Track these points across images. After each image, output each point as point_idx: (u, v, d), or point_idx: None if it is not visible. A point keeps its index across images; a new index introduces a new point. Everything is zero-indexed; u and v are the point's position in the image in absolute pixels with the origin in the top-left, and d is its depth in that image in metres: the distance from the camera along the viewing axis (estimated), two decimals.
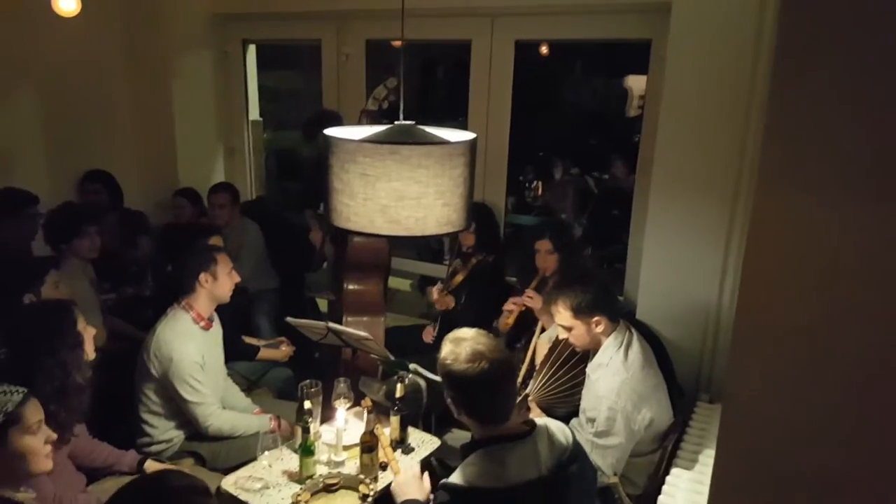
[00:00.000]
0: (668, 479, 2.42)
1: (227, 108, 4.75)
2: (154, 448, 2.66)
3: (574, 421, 2.53)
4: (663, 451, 2.51)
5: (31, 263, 2.85)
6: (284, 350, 3.46)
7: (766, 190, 0.86)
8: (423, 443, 2.61)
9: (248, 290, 4.00)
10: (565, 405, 2.67)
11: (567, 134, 6.65)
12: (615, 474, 2.38)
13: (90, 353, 2.23)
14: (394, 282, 4.21)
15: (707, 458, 2.51)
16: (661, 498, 2.33)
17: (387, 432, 2.58)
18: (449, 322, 3.40)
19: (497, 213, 3.89)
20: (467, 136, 1.79)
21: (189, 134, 4.55)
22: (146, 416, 2.66)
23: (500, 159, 3.94)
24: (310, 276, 4.44)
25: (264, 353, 3.41)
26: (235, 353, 3.18)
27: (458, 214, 1.76)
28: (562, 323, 2.54)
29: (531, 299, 3.16)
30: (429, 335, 3.70)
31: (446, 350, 1.83)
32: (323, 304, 4.41)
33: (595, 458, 2.32)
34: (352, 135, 1.73)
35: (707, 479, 2.03)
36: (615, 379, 2.40)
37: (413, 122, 1.82)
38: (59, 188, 3.87)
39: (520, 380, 2.87)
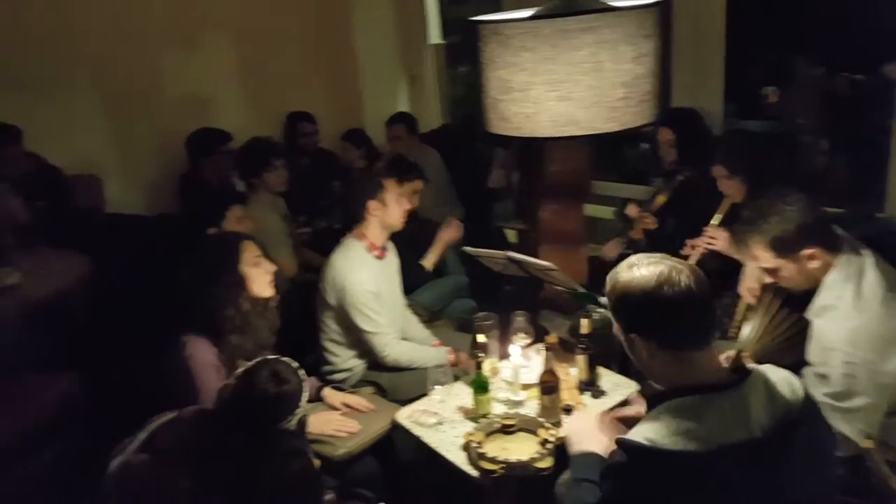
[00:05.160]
0: None
1: (407, 34, 4.60)
2: (336, 376, 2.66)
3: (806, 372, 1.95)
4: None
5: (220, 197, 2.96)
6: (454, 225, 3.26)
7: None
8: (617, 386, 2.27)
9: (431, 220, 3.89)
10: (791, 356, 2.08)
11: (811, 21, 5.36)
12: (868, 438, 1.79)
13: (259, 290, 2.23)
14: (594, 210, 3.81)
15: None
16: None
17: (573, 373, 2.28)
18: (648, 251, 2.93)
19: (711, 119, 3.26)
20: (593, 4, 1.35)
21: (371, 66, 4.52)
22: (328, 345, 2.67)
23: (713, 52, 3.27)
24: (497, 205, 4.23)
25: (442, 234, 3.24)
26: (414, 282, 3.08)
27: (588, 113, 1.35)
28: (764, 265, 1.96)
29: (713, 239, 2.59)
30: (612, 250, 3.24)
31: (613, 273, 1.44)
32: (512, 235, 4.18)
33: (837, 423, 1.73)
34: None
35: None
36: (847, 325, 1.76)
37: None
38: (255, 128, 4.01)
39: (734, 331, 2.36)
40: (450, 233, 3.24)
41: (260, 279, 2.24)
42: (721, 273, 2.58)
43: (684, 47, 3.38)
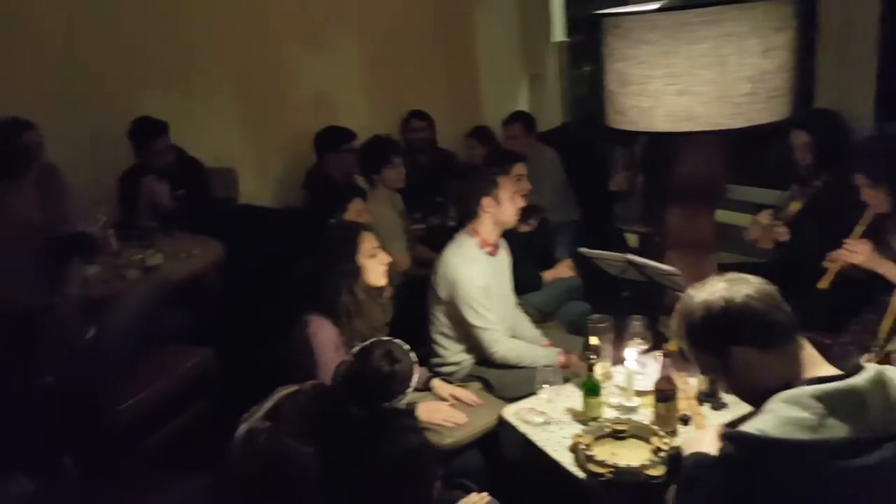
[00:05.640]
0: None
1: (529, 32, 4.58)
2: (445, 369, 2.68)
3: None
4: None
5: (342, 191, 3.09)
6: (567, 266, 3.23)
7: None
8: (740, 401, 2.12)
9: (548, 220, 3.84)
10: None
11: None
12: None
13: (374, 280, 2.30)
14: (728, 216, 3.60)
15: None
16: None
17: (692, 382, 2.16)
18: (779, 264, 2.74)
19: (859, 122, 2.98)
20: None
21: (492, 64, 4.53)
22: (437, 338, 2.70)
23: (864, 47, 2.98)
24: (618, 206, 4.11)
25: (549, 274, 3.24)
26: (525, 283, 3.05)
27: (708, 108, 1.27)
28: None
29: (854, 252, 2.35)
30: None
31: (684, 304, 1.45)
32: (633, 239, 4.03)
33: None
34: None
35: None
36: None
37: None
38: (377, 126, 4.14)
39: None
40: (559, 272, 3.26)
41: (375, 270, 2.32)
42: (860, 287, 2.38)
43: (831, 41, 3.11)
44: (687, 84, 1.35)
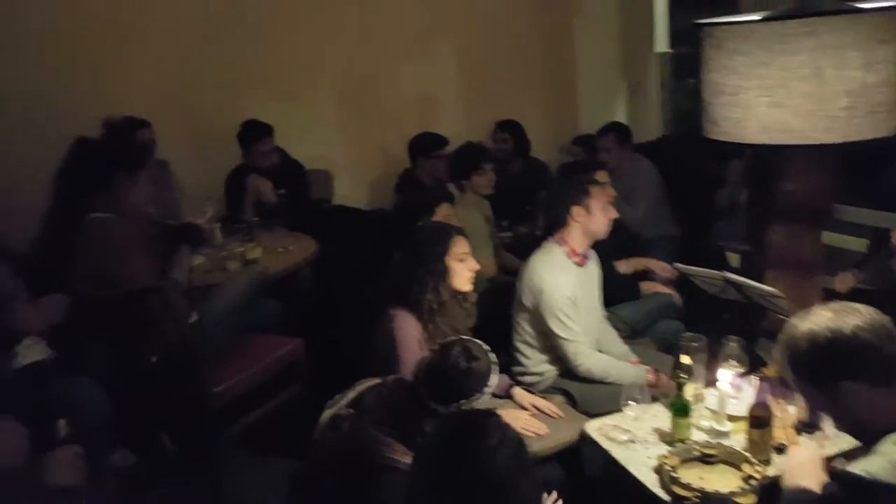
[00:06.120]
0: None
1: (630, 41, 4.49)
2: (526, 379, 2.64)
3: None
4: None
5: (431, 194, 3.14)
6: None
7: None
8: (842, 434, 1.97)
9: (641, 235, 3.74)
10: None
11: None
12: None
13: (459, 284, 2.31)
14: (837, 238, 3.38)
15: None
16: None
17: (792, 410, 2.03)
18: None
19: None
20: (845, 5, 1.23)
21: (590, 73, 4.49)
22: (520, 346, 2.67)
23: None
24: (719, 223, 3.95)
25: (649, 286, 3.15)
26: (623, 292, 3.00)
27: (803, 122, 1.22)
28: None
29: None
30: (845, 283, 2.88)
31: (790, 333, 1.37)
32: (735, 259, 3.84)
33: None
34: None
35: None
36: None
37: None
38: (471, 133, 4.18)
39: None
40: (657, 286, 3.17)
41: (462, 274, 2.33)
42: None
43: None
44: (781, 96, 1.32)
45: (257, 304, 2.93)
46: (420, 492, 1.22)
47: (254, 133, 3.63)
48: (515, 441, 1.27)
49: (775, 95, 1.33)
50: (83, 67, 3.51)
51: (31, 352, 2.11)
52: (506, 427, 1.29)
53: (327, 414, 1.65)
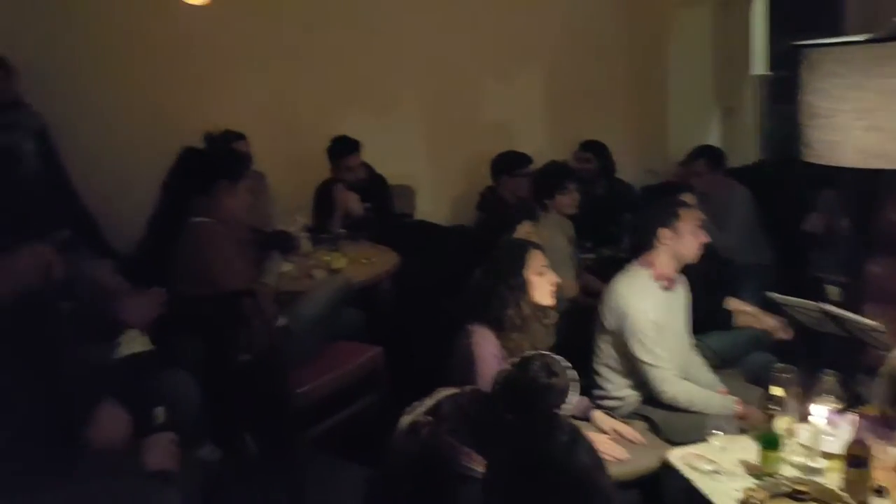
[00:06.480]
0: None
1: (726, 64, 4.37)
2: (607, 403, 2.59)
3: None
4: None
5: (514, 211, 3.15)
6: (771, 323, 2.95)
7: None
8: None
9: (733, 262, 3.61)
10: None
11: None
12: None
13: (540, 298, 2.31)
14: None
15: None
16: None
17: (893, 452, 1.90)
18: None
19: None
20: None
21: (681, 94, 4.42)
22: (601, 369, 2.62)
23: None
24: (818, 253, 3.75)
25: (745, 319, 3.01)
26: (714, 319, 2.91)
27: None
28: None
29: None
30: None
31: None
32: (834, 291, 3.63)
33: None
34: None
35: None
36: None
37: None
38: (554, 152, 4.16)
39: None
40: (763, 322, 3.02)
41: (542, 287, 2.33)
42: None
43: None
44: (878, 119, 1.28)
45: (340, 312, 3.02)
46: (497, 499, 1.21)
47: (342, 148, 3.78)
48: (586, 439, 1.26)
49: (872, 119, 1.29)
50: (191, 84, 3.79)
51: (134, 344, 2.25)
52: (574, 425, 1.28)
53: (406, 419, 1.67)
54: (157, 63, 3.72)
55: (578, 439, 1.23)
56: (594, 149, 4.31)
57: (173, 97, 3.74)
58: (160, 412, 1.88)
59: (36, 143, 3.40)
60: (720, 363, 2.90)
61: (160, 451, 1.76)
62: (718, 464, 1.97)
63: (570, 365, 1.83)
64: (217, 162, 2.83)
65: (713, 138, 4.48)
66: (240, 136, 3.59)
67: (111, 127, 3.66)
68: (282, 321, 2.72)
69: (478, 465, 1.59)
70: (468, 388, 1.75)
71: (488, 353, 2.24)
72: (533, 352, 1.88)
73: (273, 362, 2.56)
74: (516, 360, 1.84)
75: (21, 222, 1.84)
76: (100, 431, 1.77)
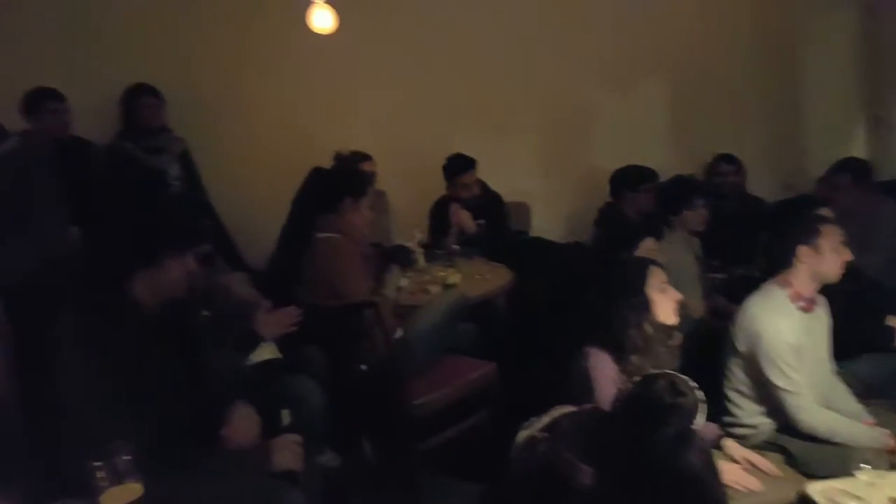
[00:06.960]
0: None
1: (873, 70, 4.03)
2: (737, 431, 2.42)
3: None
4: None
5: (636, 228, 3.05)
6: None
7: None
8: None
9: (880, 283, 3.28)
10: None
11: None
12: None
13: (664, 316, 2.20)
14: None
15: None
16: None
17: None
18: None
19: None
20: None
21: (820, 104, 4.12)
22: (731, 395, 2.46)
23: None
24: None
25: None
26: (872, 337, 2.71)
27: None
28: None
29: None
30: None
31: None
32: None
33: None
34: None
35: None
36: None
37: None
38: (679, 166, 4.01)
39: None
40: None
41: (665, 305, 2.22)
42: None
43: None
44: None
45: (455, 326, 3.04)
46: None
47: (458, 166, 3.84)
48: (712, 460, 1.18)
49: None
50: (317, 108, 4.00)
51: (264, 351, 2.38)
52: (706, 447, 1.20)
53: (523, 434, 1.64)
54: (285, 89, 3.97)
55: (709, 461, 1.16)
56: (727, 162, 4.12)
57: (302, 120, 3.96)
58: (286, 414, 1.97)
59: (180, 165, 3.72)
60: (865, 392, 2.65)
61: (286, 452, 1.83)
62: (865, 500, 1.81)
63: (696, 385, 1.73)
64: (342, 181, 2.97)
65: (858, 150, 4.13)
66: (366, 157, 3.75)
67: (244, 149, 3.93)
68: (399, 333, 2.78)
69: (595, 483, 1.53)
70: (588, 405, 1.69)
71: (605, 377, 2.15)
72: (659, 371, 1.80)
73: (392, 372, 2.62)
74: (639, 379, 1.76)
75: (169, 238, 1.99)
76: (233, 431, 1.87)
